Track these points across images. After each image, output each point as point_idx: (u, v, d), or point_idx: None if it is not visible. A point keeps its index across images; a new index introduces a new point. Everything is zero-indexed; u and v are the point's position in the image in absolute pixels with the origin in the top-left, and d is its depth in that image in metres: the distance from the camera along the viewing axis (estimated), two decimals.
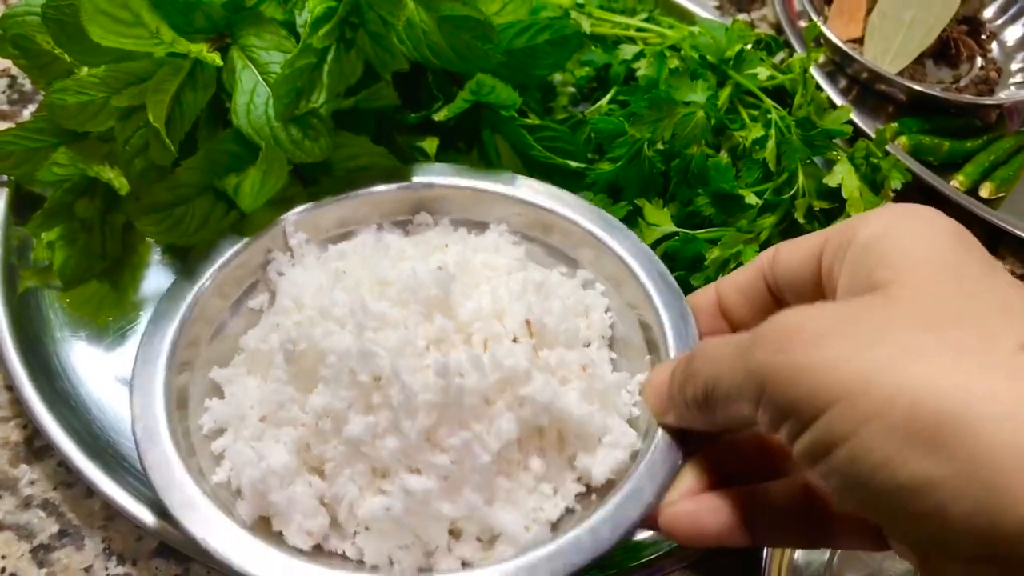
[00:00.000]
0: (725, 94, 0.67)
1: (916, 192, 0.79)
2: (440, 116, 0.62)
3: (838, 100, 0.83)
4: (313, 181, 0.61)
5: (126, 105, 0.57)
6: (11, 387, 0.60)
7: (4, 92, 0.77)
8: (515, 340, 0.51)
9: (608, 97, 0.71)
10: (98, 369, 0.62)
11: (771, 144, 0.65)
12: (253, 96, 0.56)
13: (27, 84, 0.77)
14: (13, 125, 0.65)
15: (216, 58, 0.57)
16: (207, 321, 0.57)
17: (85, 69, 0.60)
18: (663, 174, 0.64)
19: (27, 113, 0.75)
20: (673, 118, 0.63)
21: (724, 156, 0.65)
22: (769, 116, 0.66)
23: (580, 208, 0.60)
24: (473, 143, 0.67)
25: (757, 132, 0.66)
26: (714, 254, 0.62)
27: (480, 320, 0.51)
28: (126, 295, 0.65)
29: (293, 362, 0.51)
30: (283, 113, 0.55)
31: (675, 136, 0.63)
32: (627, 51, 0.72)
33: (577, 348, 0.54)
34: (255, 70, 0.57)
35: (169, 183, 0.58)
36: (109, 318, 0.64)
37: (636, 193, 0.64)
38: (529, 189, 0.61)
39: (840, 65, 0.88)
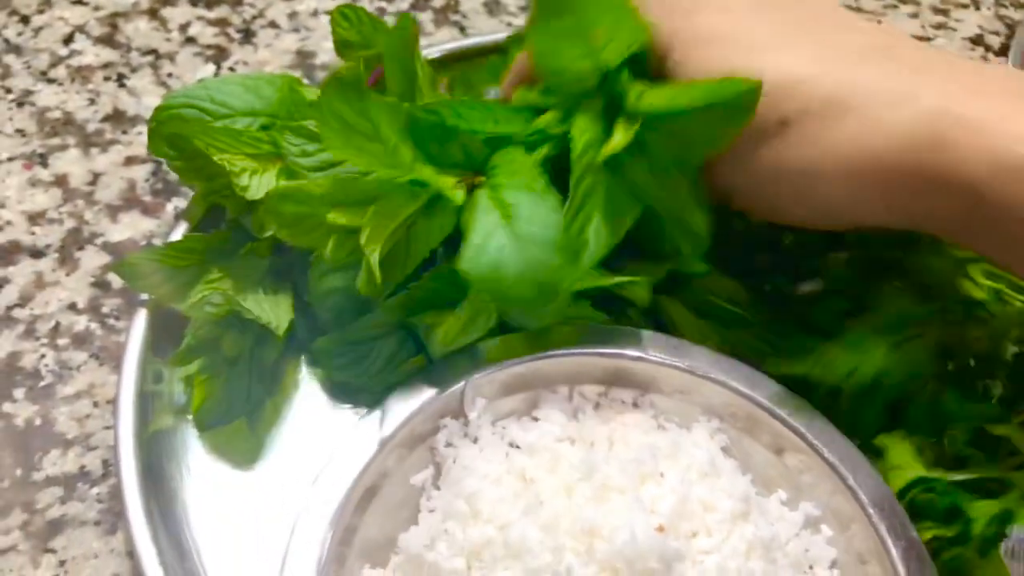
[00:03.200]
0: None
1: None
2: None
3: None
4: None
5: (343, 224, 0.49)
6: (132, 554, 0.52)
7: (147, 180, 0.70)
8: None
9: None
10: (234, 542, 0.53)
11: None
12: (488, 240, 0.47)
13: (172, 174, 0.70)
14: (156, 220, 0.58)
15: (460, 195, 0.49)
16: (366, 498, 0.48)
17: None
18: None
19: (171, 207, 0.67)
20: None
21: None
22: None
23: (799, 411, 0.51)
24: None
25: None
26: (981, 510, 0.50)
27: None
28: (266, 441, 0.57)
29: None
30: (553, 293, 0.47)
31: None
32: None
33: None
34: (498, 213, 0.48)
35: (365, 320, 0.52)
36: (247, 468, 0.56)
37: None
38: (742, 376, 0.52)
39: None
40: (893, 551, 0.46)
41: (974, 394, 0.54)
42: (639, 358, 0.52)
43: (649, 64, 0.52)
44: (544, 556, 0.42)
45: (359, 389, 0.56)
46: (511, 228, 0.47)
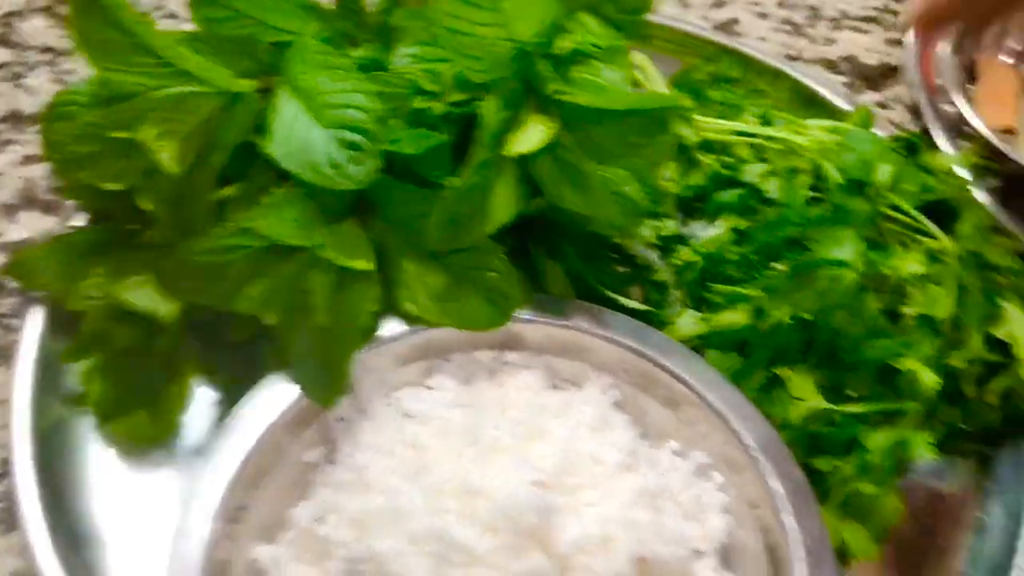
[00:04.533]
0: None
1: None
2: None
3: (986, 202, 0.71)
4: None
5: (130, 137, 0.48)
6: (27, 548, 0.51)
7: (46, 178, 0.69)
8: None
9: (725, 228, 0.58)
10: (131, 528, 0.53)
11: (946, 300, 0.54)
12: (293, 124, 0.48)
13: None
14: (55, 217, 0.57)
15: (249, 86, 0.49)
16: (255, 478, 0.48)
17: None
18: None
19: (70, 204, 0.66)
20: (817, 283, 0.52)
21: (872, 302, 0.54)
22: (936, 251, 0.55)
23: (689, 364, 0.51)
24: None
25: (913, 263, 0.55)
26: (878, 441, 0.51)
27: (583, 553, 0.42)
28: (165, 427, 0.57)
29: None
30: (441, 242, 0.48)
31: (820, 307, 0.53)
32: (751, 171, 0.60)
33: None
34: (297, 100, 0.48)
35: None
36: (145, 453, 0.56)
37: (768, 357, 0.53)
38: (631, 333, 0.52)
39: (989, 160, 0.76)
40: (781, 494, 0.47)
41: (879, 329, 0.55)
42: (531, 320, 0.52)
43: None
44: (425, 519, 0.43)
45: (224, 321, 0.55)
46: (312, 107, 0.47)
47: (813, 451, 0.52)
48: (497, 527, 0.42)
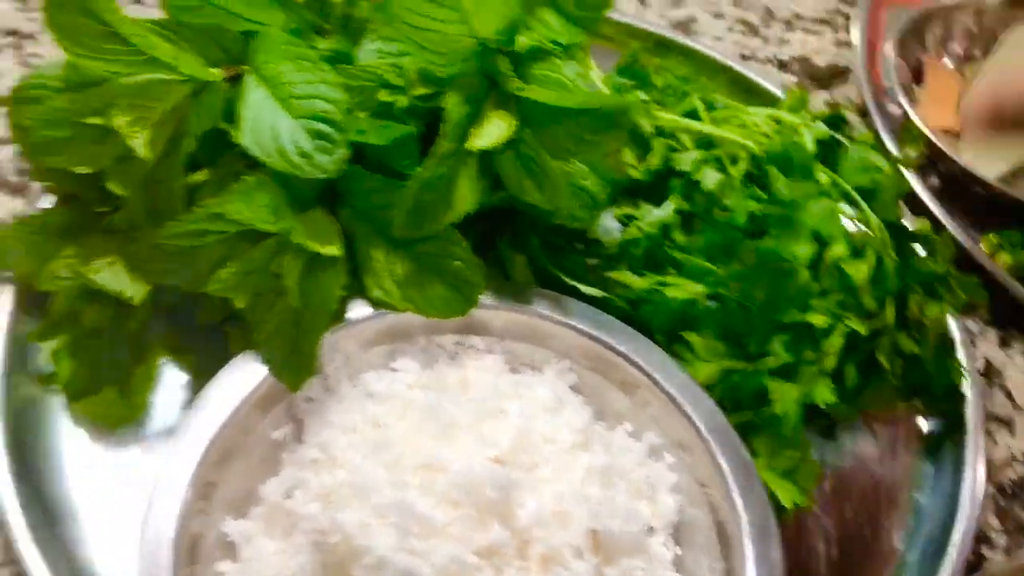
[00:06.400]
0: None
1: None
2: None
3: (927, 199, 0.75)
4: None
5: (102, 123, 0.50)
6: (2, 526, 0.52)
7: (12, 160, 0.70)
8: (577, 553, 0.45)
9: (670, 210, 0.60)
10: (103, 504, 0.55)
11: (863, 266, 0.57)
12: (260, 112, 0.49)
13: None
14: (23, 199, 0.58)
15: (217, 74, 0.50)
16: (224, 455, 0.50)
17: None
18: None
19: (37, 186, 0.67)
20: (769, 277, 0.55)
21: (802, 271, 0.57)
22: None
23: (644, 350, 0.53)
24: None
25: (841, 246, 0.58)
26: (783, 391, 0.54)
27: (540, 526, 0.44)
28: (134, 407, 0.58)
29: (320, 550, 0.44)
30: (406, 230, 0.49)
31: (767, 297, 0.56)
32: (683, 160, 0.62)
33: (641, 553, 0.48)
34: (264, 88, 0.50)
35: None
36: (115, 432, 0.57)
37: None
38: (589, 320, 0.54)
39: (931, 159, 0.80)
40: (728, 473, 0.50)
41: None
42: (493, 306, 0.54)
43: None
44: (387, 492, 0.44)
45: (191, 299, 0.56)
46: (279, 96, 0.49)
47: (727, 411, 0.54)
48: (458, 501, 0.44)
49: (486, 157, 0.52)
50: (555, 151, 0.52)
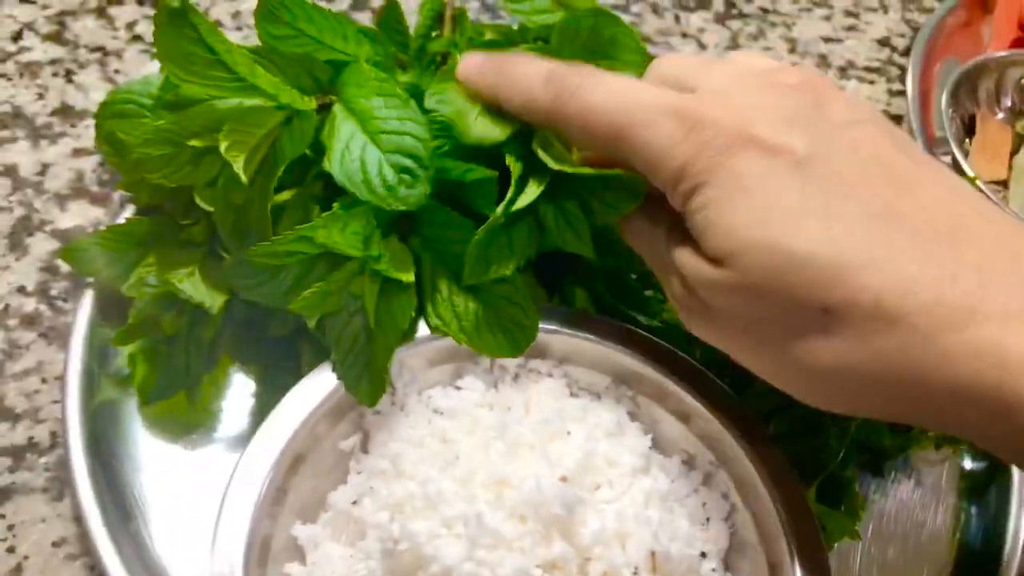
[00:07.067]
0: None
1: None
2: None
3: None
4: None
5: (207, 145, 0.52)
6: (79, 519, 0.55)
7: (95, 171, 0.73)
8: (635, 573, 0.47)
9: None
10: (177, 506, 0.57)
11: None
12: (349, 143, 0.51)
13: None
14: (103, 208, 0.61)
15: (311, 103, 0.52)
16: (296, 462, 0.52)
17: None
18: None
19: (117, 196, 0.70)
20: None
21: None
22: None
23: (701, 381, 0.55)
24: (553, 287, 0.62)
25: None
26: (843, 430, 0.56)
27: (601, 545, 0.46)
28: (203, 413, 0.61)
29: (389, 557, 0.46)
30: (474, 277, 0.52)
31: None
32: None
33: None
34: (354, 120, 0.52)
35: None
36: (186, 436, 0.60)
37: None
38: (648, 349, 0.56)
39: None
40: (780, 505, 0.51)
41: None
42: (555, 331, 0.56)
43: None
44: (458, 505, 0.46)
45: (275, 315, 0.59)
46: (368, 130, 0.51)
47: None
48: (525, 516, 0.46)
49: (534, 211, 0.54)
50: (585, 210, 0.54)
